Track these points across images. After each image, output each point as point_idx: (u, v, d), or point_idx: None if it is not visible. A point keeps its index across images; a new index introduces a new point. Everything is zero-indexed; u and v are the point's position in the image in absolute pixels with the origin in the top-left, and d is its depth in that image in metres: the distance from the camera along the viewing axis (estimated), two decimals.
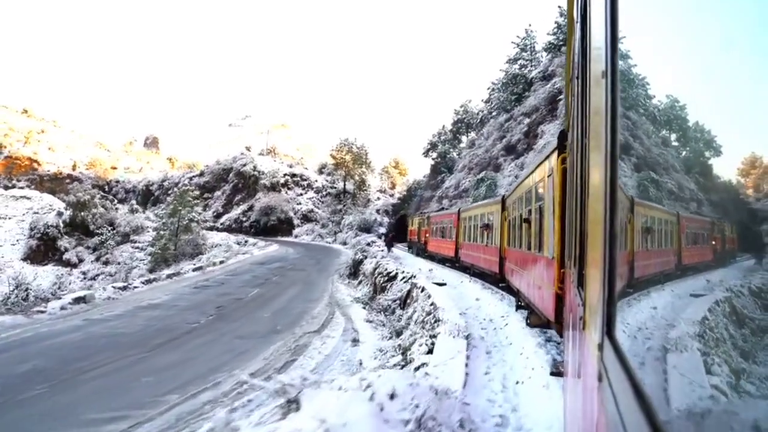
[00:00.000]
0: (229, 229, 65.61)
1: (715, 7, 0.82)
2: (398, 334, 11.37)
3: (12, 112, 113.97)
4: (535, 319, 8.42)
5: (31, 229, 52.65)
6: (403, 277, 15.76)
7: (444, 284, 14.73)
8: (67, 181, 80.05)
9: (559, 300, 6.29)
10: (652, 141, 1.34)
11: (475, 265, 17.99)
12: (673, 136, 1.29)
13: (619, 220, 1.17)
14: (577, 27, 2.41)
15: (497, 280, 14.39)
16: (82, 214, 50.44)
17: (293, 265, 28.63)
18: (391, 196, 73.59)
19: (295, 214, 68.04)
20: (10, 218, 59.91)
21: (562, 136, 6.48)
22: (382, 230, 50.11)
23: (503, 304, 11.95)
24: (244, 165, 77.15)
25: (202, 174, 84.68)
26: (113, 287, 17.82)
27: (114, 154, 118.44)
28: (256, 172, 74.95)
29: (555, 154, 6.89)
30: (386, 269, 18.19)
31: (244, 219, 69.31)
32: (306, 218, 67.39)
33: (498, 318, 10.16)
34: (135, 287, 18.55)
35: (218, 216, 73.10)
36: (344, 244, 46.80)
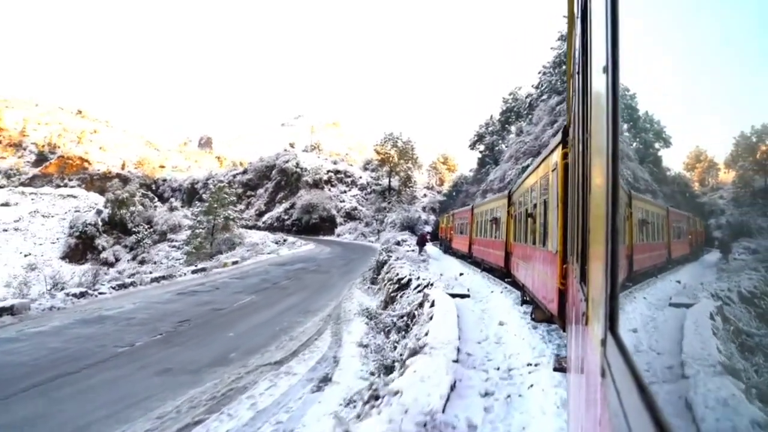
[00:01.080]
0: (270, 228, 66.24)
1: (716, 2, 0.84)
2: (388, 370, 8.32)
3: (67, 113, 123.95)
4: (540, 314, 8.71)
5: (71, 227, 54.10)
6: (418, 285, 13.38)
7: (466, 296, 12.27)
8: (116, 179, 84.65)
9: (562, 295, 6.43)
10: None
11: (485, 260, 18.92)
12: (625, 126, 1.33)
13: (621, 215, 1.21)
14: (578, 22, 2.43)
15: (503, 274, 15.20)
16: (121, 212, 51.30)
17: (317, 267, 27.35)
18: (439, 192, 72.30)
19: (338, 212, 67.88)
20: (52, 216, 62.47)
21: (566, 131, 6.50)
22: (428, 228, 49.14)
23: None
24: (287, 162, 77.39)
25: (245, 172, 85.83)
26: (66, 294, 15.71)
27: (163, 153, 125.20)
28: (298, 169, 75.13)
29: (559, 149, 6.98)
30: (397, 274, 15.69)
31: (286, 217, 69.69)
32: (349, 216, 67.20)
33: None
34: (99, 294, 16.49)
35: (260, 214, 74.14)
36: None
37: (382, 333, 11.23)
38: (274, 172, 78.77)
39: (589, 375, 1.56)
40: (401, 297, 13.58)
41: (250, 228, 63.24)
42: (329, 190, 72.50)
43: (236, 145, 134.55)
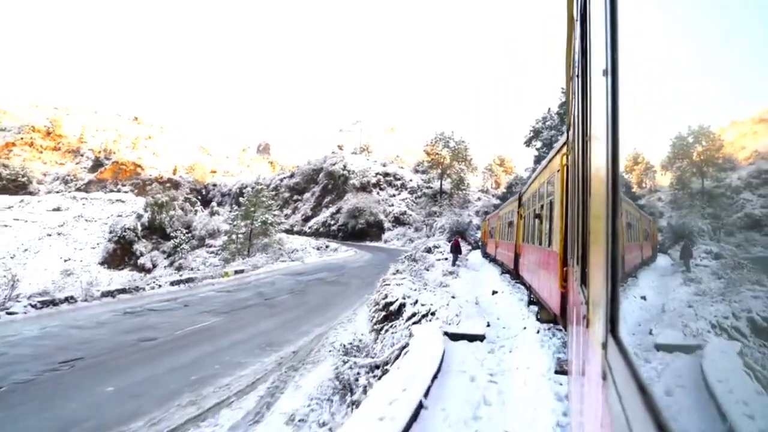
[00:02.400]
0: (316, 233, 66.30)
1: (716, 5, 0.88)
2: None
3: (124, 119, 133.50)
4: (545, 315, 8.96)
5: (110, 232, 54.40)
6: (413, 315, 10.43)
7: (479, 337, 8.28)
8: (168, 185, 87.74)
9: (564, 297, 6.71)
10: None
11: (504, 263, 19.54)
12: None
13: (621, 218, 1.27)
14: (577, 25, 2.47)
15: (516, 275, 15.54)
16: (161, 216, 51.10)
17: (338, 277, 25.95)
18: (494, 196, 71.26)
19: (386, 216, 66.80)
20: (95, 221, 64.00)
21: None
22: (480, 235, 48.73)
23: None
24: (334, 164, 76.77)
25: (292, 176, 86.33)
26: None
27: (215, 158, 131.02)
28: (345, 172, 74.36)
29: (563, 151, 7.11)
30: (385, 296, 12.12)
31: (332, 222, 69.30)
32: (398, 221, 66.16)
33: None
34: (8, 314, 13.97)
35: (306, 219, 74.17)
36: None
37: (338, 394, 7.72)
38: (321, 175, 78.42)
39: (590, 377, 1.62)
40: (386, 331, 10.42)
41: (297, 233, 63.53)
42: (377, 193, 71.71)
43: (294, 151, 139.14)
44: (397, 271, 17.46)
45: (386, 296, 12.08)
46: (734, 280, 1.15)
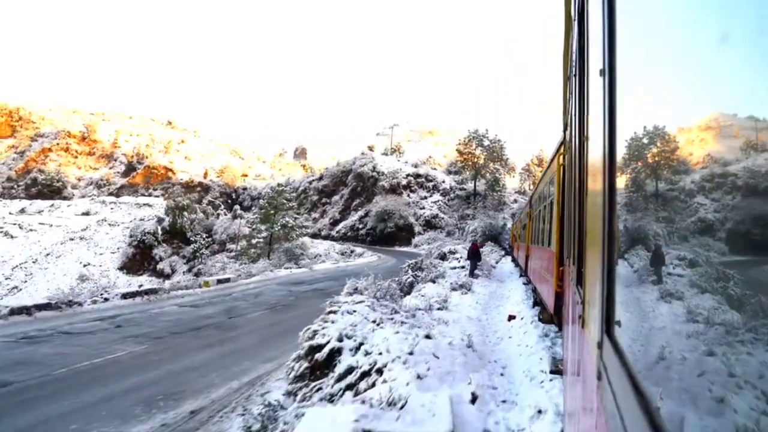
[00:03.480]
0: (344, 238, 65.53)
1: (713, 4, 0.89)
2: None
3: (158, 124, 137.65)
4: (547, 316, 8.89)
5: (130, 236, 53.91)
6: (347, 371, 6.67)
7: None
8: (198, 188, 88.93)
9: (559, 296, 6.88)
10: None
11: (521, 267, 19.78)
12: None
13: (618, 219, 1.31)
14: (575, 24, 2.49)
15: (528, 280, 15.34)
16: (182, 220, 50.62)
17: (340, 288, 16.47)
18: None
19: (416, 219, 65.10)
20: (118, 225, 64.05)
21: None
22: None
23: None
24: (363, 165, 75.61)
25: (321, 178, 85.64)
26: None
27: (247, 162, 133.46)
28: (375, 173, 73.13)
29: (561, 150, 7.31)
30: (312, 334, 7.92)
31: (361, 226, 68.19)
32: (429, 225, 64.40)
33: None
34: None
35: (334, 223, 73.42)
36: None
37: None
38: (350, 177, 77.53)
39: (585, 377, 1.65)
40: (305, 398, 6.76)
41: (324, 238, 63.17)
42: (408, 195, 70.26)
43: (330, 155, 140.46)
44: (355, 289, 12.90)
45: (314, 335, 7.84)
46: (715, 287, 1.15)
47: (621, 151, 1.30)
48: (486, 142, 68.52)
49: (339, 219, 74.38)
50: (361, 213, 71.01)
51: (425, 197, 70.92)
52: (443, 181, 72.99)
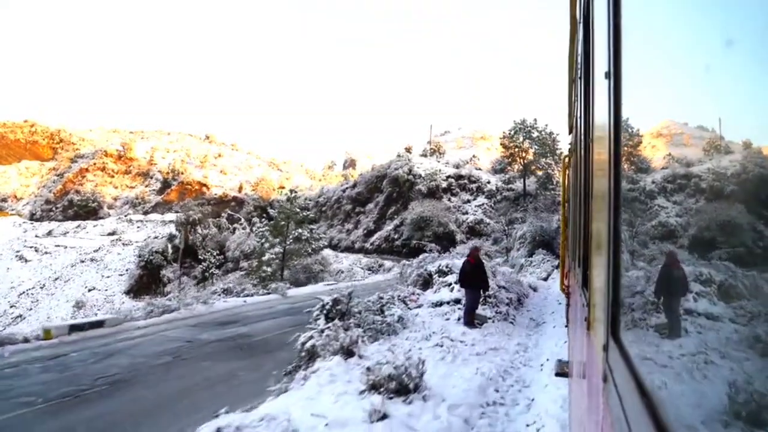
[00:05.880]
0: (378, 250, 60.95)
1: (719, 7, 0.89)
2: None
3: (196, 139, 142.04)
4: None
5: (138, 257, 50.61)
6: None
7: None
8: (232, 203, 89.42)
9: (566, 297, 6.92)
10: None
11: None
12: None
13: (623, 220, 1.33)
14: (580, 27, 2.54)
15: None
16: (194, 236, 47.39)
17: (274, 338, 13.52)
18: None
19: (458, 226, 58.18)
20: (132, 244, 60.93)
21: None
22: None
23: None
24: (398, 168, 69.80)
25: (354, 185, 79.62)
26: None
27: (285, 174, 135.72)
28: (411, 176, 67.50)
29: (568, 153, 7.48)
30: None
31: (396, 236, 62.35)
32: (473, 231, 57.31)
33: None
34: None
35: (369, 234, 67.69)
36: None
37: None
38: (384, 182, 71.28)
39: (591, 380, 1.69)
40: None
41: (358, 251, 59.62)
42: (448, 199, 63.91)
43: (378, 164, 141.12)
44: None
45: None
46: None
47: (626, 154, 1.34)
48: (535, 134, 61.77)
49: (373, 229, 68.55)
50: (396, 222, 64.23)
51: (468, 201, 64.44)
52: (488, 182, 66.33)
